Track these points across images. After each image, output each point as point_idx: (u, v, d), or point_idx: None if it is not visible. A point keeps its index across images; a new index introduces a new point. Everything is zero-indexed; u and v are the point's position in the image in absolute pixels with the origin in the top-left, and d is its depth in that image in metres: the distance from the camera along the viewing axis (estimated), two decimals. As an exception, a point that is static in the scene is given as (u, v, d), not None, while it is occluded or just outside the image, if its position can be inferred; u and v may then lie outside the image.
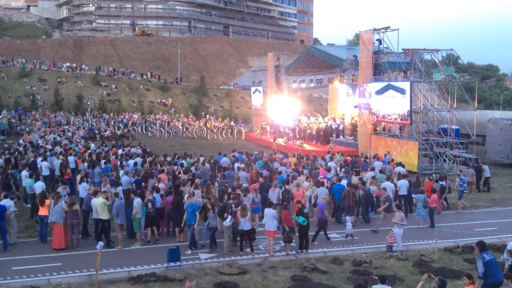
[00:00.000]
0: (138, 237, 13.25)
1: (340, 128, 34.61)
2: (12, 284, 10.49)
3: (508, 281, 8.23)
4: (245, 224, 12.49)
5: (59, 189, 14.71)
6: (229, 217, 12.57)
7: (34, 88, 56.68)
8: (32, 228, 14.37)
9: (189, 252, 12.61)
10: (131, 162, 19.92)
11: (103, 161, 20.29)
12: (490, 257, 8.77)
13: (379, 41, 27.83)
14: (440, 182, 17.79)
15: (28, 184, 16.41)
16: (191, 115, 54.39)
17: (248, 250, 12.69)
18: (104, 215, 12.91)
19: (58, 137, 31.48)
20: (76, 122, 44.00)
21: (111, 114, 50.41)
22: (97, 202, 13.03)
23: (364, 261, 11.94)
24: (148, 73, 69.11)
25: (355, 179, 17.19)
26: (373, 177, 17.86)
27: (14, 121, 42.55)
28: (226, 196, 14.80)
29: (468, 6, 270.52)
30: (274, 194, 15.14)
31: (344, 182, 16.45)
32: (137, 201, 13.10)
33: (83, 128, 39.67)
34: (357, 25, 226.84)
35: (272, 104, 41.31)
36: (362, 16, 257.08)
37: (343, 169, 19.80)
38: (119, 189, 14.71)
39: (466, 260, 12.15)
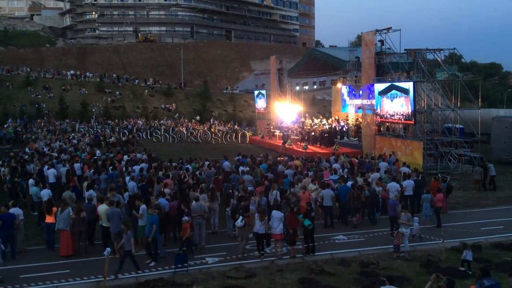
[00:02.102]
0: (139, 243, 12.95)
1: (344, 129, 34.59)
2: (21, 291, 10.54)
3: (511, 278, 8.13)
4: (260, 228, 12.47)
5: (65, 193, 14.81)
6: (240, 217, 12.58)
7: (39, 96, 57.01)
8: (40, 235, 14.42)
9: (151, 263, 12.11)
10: (136, 167, 20.00)
11: (109, 167, 20.40)
12: (490, 282, 8.18)
13: (381, 42, 27.88)
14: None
15: (34, 192, 16.51)
16: (194, 120, 54.49)
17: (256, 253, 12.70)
18: (106, 223, 12.92)
19: (64, 145, 31.67)
20: (81, 129, 44.26)
21: (116, 121, 50.62)
22: (101, 209, 13.06)
23: (371, 262, 11.92)
24: (151, 79, 69.38)
25: (360, 180, 17.20)
26: (380, 178, 17.85)
27: (19, 129, 42.83)
28: (231, 200, 14.86)
29: (470, 4, 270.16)
30: (272, 197, 15.27)
31: (349, 183, 16.48)
32: (142, 207, 13.10)
33: (88, 135, 39.91)
34: (359, 26, 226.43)
35: (277, 107, 41.38)
36: (363, 18, 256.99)
37: (345, 170, 19.88)
38: (126, 195, 14.75)
39: (474, 259, 12.07)
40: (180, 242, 12.81)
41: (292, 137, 35.24)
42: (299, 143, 33.90)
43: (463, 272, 11.10)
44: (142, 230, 13.17)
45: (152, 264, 12.08)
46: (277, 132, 38.68)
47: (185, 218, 12.77)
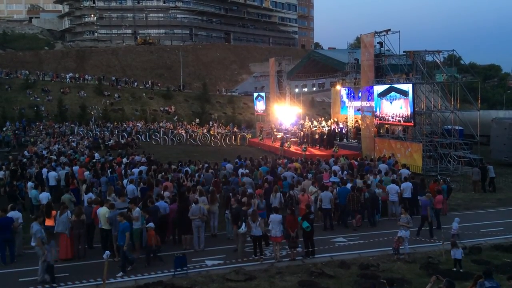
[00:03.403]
0: (137, 246, 12.76)
1: (344, 131, 34.57)
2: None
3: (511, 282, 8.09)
4: (256, 230, 12.43)
5: (64, 196, 14.73)
6: (244, 224, 12.53)
7: (38, 99, 57.07)
8: (39, 239, 14.37)
9: (120, 274, 11.46)
10: (135, 170, 19.97)
11: (109, 170, 20.38)
12: (490, 284, 8.07)
13: (380, 44, 27.90)
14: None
15: (34, 195, 16.46)
16: (193, 122, 54.51)
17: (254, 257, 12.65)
18: (106, 225, 12.85)
19: (63, 147, 31.63)
20: (80, 132, 44.20)
21: (115, 123, 50.61)
22: (101, 212, 13.02)
23: (371, 265, 11.88)
24: (150, 81, 69.40)
25: (359, 182, 17.18)
26: (380, 180, 17.82)
27: (18, 132, 42.76)
28: (230, 202, 14.80)
29: (469, 6, 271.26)
30: (275, 199, 15.22)
31: (348, 185, 16.45)
32: (136, 210, 13.03)
33: (87, 138, 39.85)
34: (358, 28, 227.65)
35: (276, 109, 41.36)
36: (363, 20, 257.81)
37: (345, 172, 19.85)
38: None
39: (473, 261, 12.07)
40: (143, 249, 12.49)
41: (291, 139, 35.22)
42: (301, 146, 33.88)
43: (462, 273, 11.06)
44: (137, 233, 13.10)
45: (120, 274, 11.54)
46: (280, 135, 38.67)
47: (150, 224, 12.36)
